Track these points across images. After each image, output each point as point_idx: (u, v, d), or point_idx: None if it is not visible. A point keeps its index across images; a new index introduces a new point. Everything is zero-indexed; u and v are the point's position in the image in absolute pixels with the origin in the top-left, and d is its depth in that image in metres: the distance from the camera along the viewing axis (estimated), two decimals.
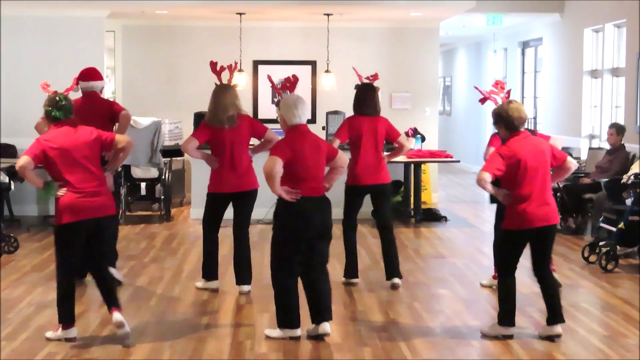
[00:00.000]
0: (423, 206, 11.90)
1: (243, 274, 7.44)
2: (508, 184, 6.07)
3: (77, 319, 6.51)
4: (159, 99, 13.33)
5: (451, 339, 6.20)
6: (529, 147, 6.04)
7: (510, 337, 6.15)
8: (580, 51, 12.79)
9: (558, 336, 6.13)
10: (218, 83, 7.60)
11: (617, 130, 10.41)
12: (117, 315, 5.98)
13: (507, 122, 6.08)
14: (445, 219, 11.63)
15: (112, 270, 7.79)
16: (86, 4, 11.40)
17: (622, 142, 10.42)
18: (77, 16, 11.72)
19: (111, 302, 6.07)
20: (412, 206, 11.69)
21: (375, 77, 8.08)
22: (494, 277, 7.77)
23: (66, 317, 6.07)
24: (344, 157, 6.30)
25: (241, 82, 12.73)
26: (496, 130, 7.48)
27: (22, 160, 5.87)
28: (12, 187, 10.42)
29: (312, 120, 13.25)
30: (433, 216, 11.69)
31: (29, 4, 11.37)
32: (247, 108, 13.40)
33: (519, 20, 14.95)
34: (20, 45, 11.70)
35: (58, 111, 6.00)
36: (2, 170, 10.03)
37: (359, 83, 8.07)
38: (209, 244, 7.53)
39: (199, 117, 11.85)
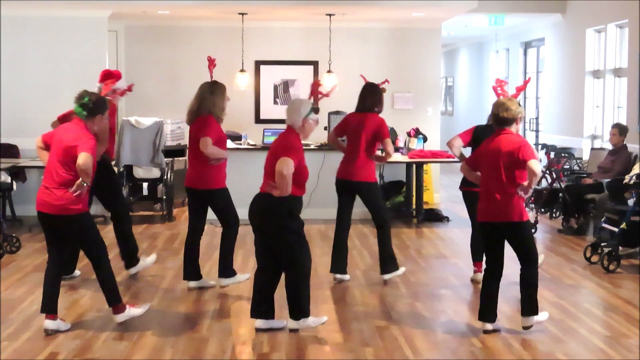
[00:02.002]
0: (425, 206, 11.90)
1: (219, 268, 7.57)
2: None
3: (78, 319, 6.57)
4: (161, 99, 13.33)
5: (453, 339, 6.20)
6: (491, 145, 6.19)
7: (489, 331, 6.24)
8: (582, 51, 12.79)
9: (526, 328, 6.26)
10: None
11: (620, 130, 10.41)
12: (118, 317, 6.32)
13: (492, 115, 6.32)
14: (447, 219, 11.63)
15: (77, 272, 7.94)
16: (88, 4, 11.39)
17: (624, 143, 10.42)
18: (79, 16, 11.72)
19: (109, 299, 6.33)
20: (414, 206, 11.69)
21: (384, 82, 8.42)
22: (475, 272, 8.06)
23: (44, 305, 6.26)
24: (280, 166, 6.02)
25: (243, 82, 12.74)
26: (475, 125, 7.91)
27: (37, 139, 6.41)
28: (14, 187, 10.44)
29: None
30: (435, 216, 11.68)
31: (30, 4, 11.37)
32: (249, 108, 13.53)
33: (521, 20, 14.95)
34: (22, 45, 11.70)
35: (78, 107, 6.22)
36: (3, 170, 10.04)
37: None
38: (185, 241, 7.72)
39: None
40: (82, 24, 11.75)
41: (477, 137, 7.46)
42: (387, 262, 7.90)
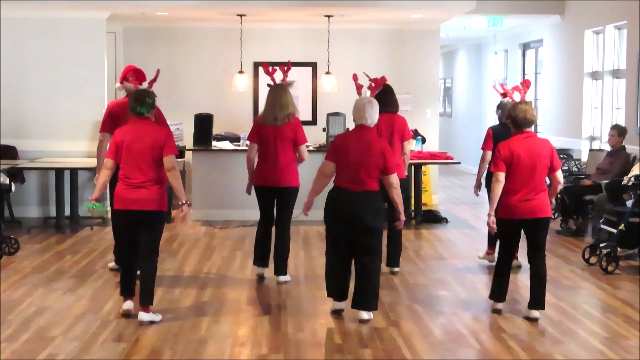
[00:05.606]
0: (423, 208, 11.91)
1: (277, 265, 7.83)
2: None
3: (77, 320, 6.58)
4: (160, 100, 13.05)
5: (451, 340, 6.20)
6: (526, 145, 6.57)
7: (499, 311, 6.79)
8: (580, 53, 12.79)
9: (534, 320, 6.61)
10: (272, 84, 8.00)
11: (619, 131, 10.41)
12: (140, 314, 6.50)
13: (512, 120, 6.67)
14: (445, 220, 11.63)
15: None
16: (87, 5, 11.39)
17: (623, 144, 10.42)
18: (77, 17, 11.71)
19: (141, 299, 6.49)
20: (412, 208, 11.68)
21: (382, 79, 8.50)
22: (487, 253, 8.77)
23: (121, 290, 6.71)
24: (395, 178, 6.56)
25: (242, 83, 12.74)
26: (494, 124, 8.57)
27: (107, 163, 6.49)
28: (13, 188, 10.44)
29: (313, 121, 13.27)
30: (433, 218, 11.69)
31: (29, 5, 11.37)
32: (247, 109, 13.52)
33: (520, 21, 14.95)
34: (21, 46, 11.69)
35: (142, 108, 6.48)
36: (2, 171, 10.04)
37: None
38: (257, 233, 7.97)
39: (199, 119, 11.85)
40: (81, 26, 11.74)
41: (497, 138, 7.86)
42: (399, 255, 8.36)
